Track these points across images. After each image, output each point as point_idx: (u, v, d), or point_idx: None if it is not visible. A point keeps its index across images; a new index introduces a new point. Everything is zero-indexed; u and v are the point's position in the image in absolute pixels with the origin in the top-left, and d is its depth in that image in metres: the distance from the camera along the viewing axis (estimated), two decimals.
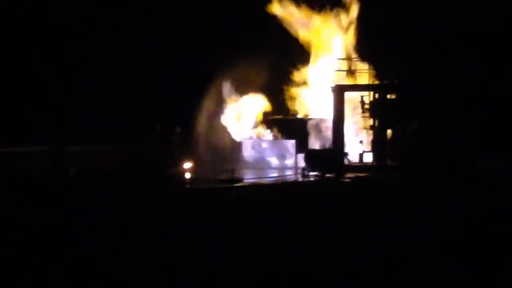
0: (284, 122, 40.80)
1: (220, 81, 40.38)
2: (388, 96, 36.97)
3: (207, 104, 40.13)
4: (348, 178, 33.13)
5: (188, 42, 41.34)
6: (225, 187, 28.98)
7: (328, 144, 37.59)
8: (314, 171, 34.25)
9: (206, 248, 15.38)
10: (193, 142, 39.32)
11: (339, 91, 37.47)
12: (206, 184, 30.00)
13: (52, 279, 12.90)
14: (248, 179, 32.18)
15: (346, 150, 36.92)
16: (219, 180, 30.64)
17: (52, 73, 39.80)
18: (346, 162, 36.27)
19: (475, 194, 25.16)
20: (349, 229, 17.89)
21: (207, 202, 24.38)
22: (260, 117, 41.10)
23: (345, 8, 40.83)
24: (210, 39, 40.33)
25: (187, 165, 36.22)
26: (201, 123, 40.15)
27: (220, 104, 40.68)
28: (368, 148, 37.21)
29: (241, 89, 40.94)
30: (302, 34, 41.41)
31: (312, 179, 33.25)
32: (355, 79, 38.42)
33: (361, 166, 36.36)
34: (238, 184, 30.09)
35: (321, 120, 40.04)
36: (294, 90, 41.79)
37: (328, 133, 38.61)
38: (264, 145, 40.26)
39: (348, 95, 37.60)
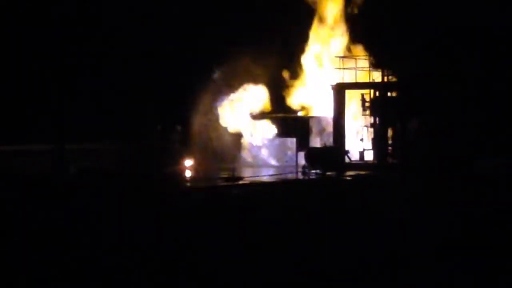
0: (285, 120, 40.79)
1: (220, 80, 40.36)
2: (389, 94, 36.96)
3: (207, 103, 40.11)
4: (349, 176, 33.15)
5: (188, 41, 41.31)
6: (225, 185, 29.01)
7: (329, 142, 37.58)
8: (314, 169, 34.26)
9: (206, 248, 15.38)
10: (192, 140, 39.29)
11: (340, 89, 37.46)
12: (207, 183, 30.03)
13: (52, 279, 12.89)
14: (248, 177, 32.22)
15: (347, 148, 36.91)
16: (219, 178, 30.68)
17: (52, 73, 39.75)
18: (346, 160, 36.27)
19: (475, 194, 25.16)
20: (349, 228, 17.89)
21: (207, 200, 24.39)
22: (261, 115, 41.09)
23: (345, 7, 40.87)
24: (210, 38, 40.29)
25: (188, 163, 36.28)
26: (201, 121, 40.13)
27: (219, 103, 40.67)
28: (369, 146, 37.20)
29: (241, 87, 40.93)
30: (302, 32, 41.43)
31: (312, 177, 33.27)
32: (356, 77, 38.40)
33: (361, 164, 36.36)
34: (239, 182, 30.11)
35: (322, 118, 40.04)
36: (295, 88, 41.78)
37: (329, 131, 38.60)
38: (265, 143, 40.28)
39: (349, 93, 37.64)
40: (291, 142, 39.38)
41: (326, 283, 12.70)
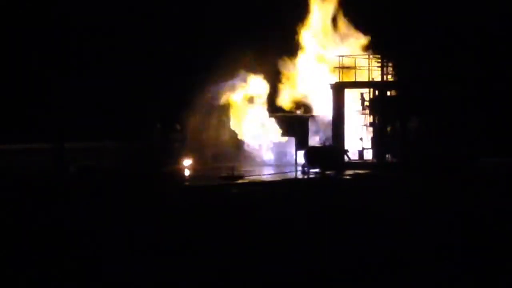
0: (284, 119, 40.76)
1: (220, 78, 40.33)
2: (388, 93, 36.95)
3: (207, 101, 40.07)
4: (348, 175, 33.14)
5: (187, 40, 41.30)
6: (225, 184, 28.98)
7: (328, 141, 37.56)
8: (314, 168, 34.26)
9: (205, 248, 15.37)
10: (189, 139, 39.22)
11: (339, 88, 37.44)
12: (206, 181, 30.00)
13: (52, 279, 12.89)
14: (248, 176, 32.20)
15: (346, 147, 36.90)
16: (219, 177, 30.64)
17: (52, 73, 39.77)
18: (346, 159, 36.25)
19: (475, 193, 25.16)
20: (349, 228, 17.89)
21: (207, 199, 24.38)
22: (260, 114, 41.07)
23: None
24: (209, 37, 40.29)
25: (187, 162, 36.25)
26: (200, 120, 40.09)
27: (219, 100, 40.64)
28: (368, 145, 37.19)
29: (241, 85, 40.91)
30: (303, 30, 41.39)
31: (312, 176, 33.26)
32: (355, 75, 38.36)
33: (361, 163, 36.34)
34: (239, 181, 30.09)
35: (321, 117, 40.01)
36: (294, 87, 41.73)
37: (328, 130, 38.58)
38: (265, 142, 40.28)
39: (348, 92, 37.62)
40: (291, 141, 39.35)
41: (326, 283, 12.70)
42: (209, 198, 24.72)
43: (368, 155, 37.20)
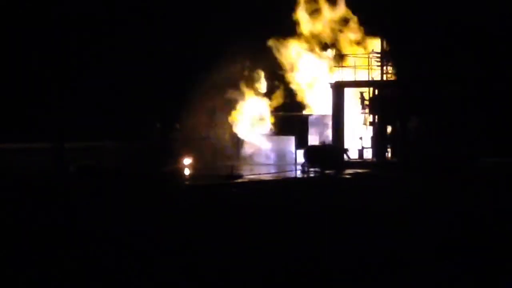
0: (284, 118, 40.80)
1: (219, 77, 40.34)
2: (388, 93, 36.97)
3: (206, 100, 40.09)
4: (348, 174, 33.15)
5: (187, 39, 41.31)
6: (225, 183, 28.99)
7: (328, 140, 37.59)
8: (313, 167, 34.27)
9: (205, 247, 15.37)
10: (191, 138, 39.23)
11: (339, 87, 37.46)
12: (206, 181, 30.01)
13: (52, 279, 12.89)
14: (247, 175, 32.22)
15: (346, 146, 36.92)
16: (218, 176, 30.65)
17: (52, 73, 39.77)
18: (345, 158, 36.27)
19: (475, 193, 25.16)
20: (349, 227, 17.90)
21: (206, 199, 24.37)
22: (260, 113, 41.10)
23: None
24: (209, 36, 40.30)
25: (186, 161, 36.25)
26: (200, 120, 40.11)
27: (219, 100, 40.66)
28: (368, 144, 37.21)
29: (240, 84, 40.93)
30: (304, 29, 41.41)
31: (311, 175, 33.27)
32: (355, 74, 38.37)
33: (360, 163, 36.37)
34: (238, 181, 30.10)
35: (321, 116, 40.03)
36: (294, 86, 41.76)
37: (328, 129, 38.61)
38: (264, 141, 40.30)
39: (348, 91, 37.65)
40: (291, 140, 39.39)
41: (326, 283, 12.70)
42: (208, 198, 24.72)
43: (368, 154, 37.24)
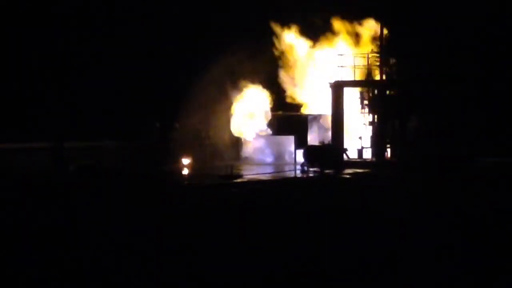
0: (284, 118, 40.80)
1: (219, 76, 40.34)
2: (388, 92, 36.97)
3: (206, 100, 40.08)
4: (348, 174, 33.14)
5: (187, 39, 41.32)
6: (224, 183, 28.97)
7: (327, 140, 37.59)
8: (313, 167, 34.27)
9: (205, 247, 15.36)
10: (190, 138, 39.24)
11: (338, 87, 37.45)
12: (205, 180, 29.98)
13: (52, 279, 12.89)
14: (247, 175, 32.21)
15: (345, 146, 36.92)
16: (218, 176, 30.63)
17: (52, 72, 39.78)
18: (345, 158, 36.27)
19: (475, 193, 25.17)
20: (349, 227, 17.89)
21: (206, 198, 24.36)
22: (259, 113, 41.10)
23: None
24: (209, 36, 40.30)
25: (186, 161, 36.22)
26: (199, 119, 40.11)
27: (218, 99, 40.66)
28: (367, 144, 37.21)
29: (240, 84, 40.92)
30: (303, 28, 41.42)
31: (311, 175, 33.26)
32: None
33: (360, 162, 36.37)
34: (238, 180, 30.08)
35: (321, 116, 40.04)
36: (293, 86, 41.76)
37: (328, 129, 38.61)
38: (264, 140, 40.29)
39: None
40: (290, 140, 39.38)
41: (326, 283, 12.70)
42: (208, 198, 24.71)
43: (367, 154, 37.24)
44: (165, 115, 40.55)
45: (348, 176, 32.38)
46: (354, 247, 15.29)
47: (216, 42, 39.26)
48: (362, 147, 37.26)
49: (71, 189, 26.17)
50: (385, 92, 36.97)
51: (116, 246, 15.63)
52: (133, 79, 41.07)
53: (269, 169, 35.26)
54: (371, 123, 37.11)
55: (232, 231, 17.45)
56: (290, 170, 34.81)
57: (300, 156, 36.33)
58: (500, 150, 35.01)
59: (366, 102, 37.25)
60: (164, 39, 41.61)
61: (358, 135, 37.65)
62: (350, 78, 38.15)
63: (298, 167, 34.84)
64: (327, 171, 33.84)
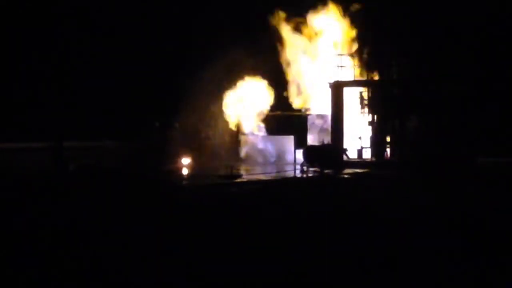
0: (283, 118, 40.81)
1: (219, 75, 40.36)
2: (387, 92, 36.98)
3: (205, 100, 40.10)
4: (347, 174, 33.14)
5: (187, 39, 41.35)
6: (224, 183, 28.97)
7: (327, 140, 37.60)
8: (313, 167, 34.28)
9: (204, 247, 15.37)
10: (190, 137, 39.25)
11: (338, 86, 37.46)
12: (205, 180, 29.98)
13: (52, 279, 12.89)
14: (247, 175, 32.20)
15: (345, 146, 36.93)
16: (218, 176, 30.62)
17: (52, 72, 39.81)
18: (344, 158, 36.28)
19: (475, 192, 25.18)
20: (349, 227, 17.89)
21: (205, 198, 24.37)
22: (259, 112, 41.12)
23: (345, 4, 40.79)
24: (209, 36, 40.31)
25: (185, 161, 36.24)
26: (199, 118, 40.12)
27: (218, 99, 40.69)
28: (367, 144, 37.22)
29: (239, 83, 40.95)
30: (303, 27, 41.43)
31: (310, 175, 33.26)
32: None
33: (360, 162, 36.38)
34: (237, 180, 30.07)
35: (320, 115, 40.04)
36: (293, 85, 41.76)
37: (327, 128, 38.61)
38: (263, 140, 40.30)
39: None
40: (290, 139, 39.40)
41: (326, 283, 12.70)
42: (207, 198, 24.71)
43: (367, 154, 37.25)
44: (165, 115, 40.58)
45: (347, 176, 32.38)
46: (354, 247, 15.30)
47: (216, 41, 39.29)
48: (362, 147, 37.28)
49: (71, 189, 26.17)
50: (385, 92, 36.95)
51: (116, 246, 15.63)
52: (133, 79, 41.09)
53: (268, 169, 35.25)
54: (371, 123, 37.12)
55: (232, 231, 17.45)
56: (289, 170, 34.80)
57: (300, 156, 36.33)
58: (500, 150, 35.02)
59: (366, 102, 37.23)
60: (164, 39, 41.63)
61: (358, 135, 37.66)
62: (350, 78, 38.18)
63: (298, 167, 34.84)
64: (326, 171, 33.84)
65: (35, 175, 30.24)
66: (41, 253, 14.80)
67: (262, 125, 41.04)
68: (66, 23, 40.89)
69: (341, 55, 39.48)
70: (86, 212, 20.58)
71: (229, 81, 40.54)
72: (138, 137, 39.13)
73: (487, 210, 20.80)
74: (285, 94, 41.58)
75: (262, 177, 31.83)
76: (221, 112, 40.69)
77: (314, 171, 33.85)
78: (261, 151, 40.21)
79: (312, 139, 39.37)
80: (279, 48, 41.20)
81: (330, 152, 35.61)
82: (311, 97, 41.36)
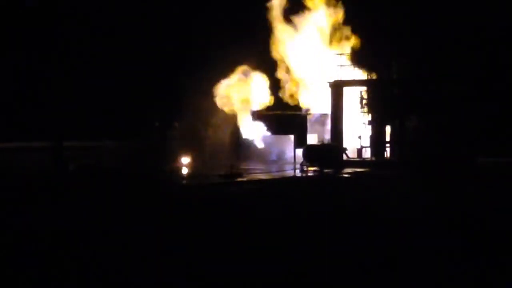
0: (284, 117, 40.81)
1: (219, 75, 40.39)
2: (387, 92, 37.01)
3: (205, 99, 40.12)
4: (347, 173, 33.15)
5: (187, 39, 41.38)
6: (224, 182, 28.98)
7: (327, 139, 37.63)
8: (312, 166, 34.30)
9: (204, 247, 15.37)
10: (189, 137, 39.27)
11: (338, 86, 37.49)
12: (205, 180, 29.98)
13: (52, 279, 12.89)
14: (247, 174, 32.21)
15: (345, 145, 36.95)
16: (218, 175, 30.63)
17: (52, 72, 39.84)
18: (344, 157, 36.30)
19: (475, 193, 25.18)
20: (349, 227, 17.90)
21: (205, 198, 24.37)
22: (259, 112, 41.13)
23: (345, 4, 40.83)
24: (209, 35, 40.34)
25: (185, 160, 36.25)
26: (199, 118, 40.15)
27: (218, 99, 40.71)
28: (367, 143, 37.25)
29: (239, 84, 40.95)
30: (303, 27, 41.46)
31: (310, 174, 33.28)
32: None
33: (359, 162, 36.40)
34: (237, 179, 30.08)
35: (320, 115, 40.07)
36: (293, 85, 41.79)
37: (327, 128, 38.65)
38: (263, 140, 40.32)
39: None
40: (290, 139, 39.42)
41: (326, 283, 12.70)
42: (207, 197, 24.72)
43: (367, 153, 37.27)
44: (165, 115, 40.60)
45: (347, 176, 32.38)
46: (354, 247, 15.30)
47: (215, 41, 39.31)
48: (362, 147, 37.29)
49: (71, 189, 26.17)
50: (385, 92, 36.98)
51: (116, 246, 15.64)
52: (133, 79, 41.11)
53: (269, 168, 35.26)
54: (370, 123, 37.14)
55: (232, 230, 17.46)
56: (289, 169, 34.81)
57: (299, 155, 36.35)
58: (500, 150, 35.05)
59: (365, 101, 37.26)
60: (164, 39, 41.65)
61: (358, 135, 37.69)
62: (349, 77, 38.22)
63: (298, 166, 34.85)
64: (326, 170, 33.86)
65: (35, 175, 30.25)
66: (41, 253, 14.80)
67: (262, 124, 41.04)
68: (66, 23, 40.93)
69: (341, 54, 39.49)
70: (86, 212, 20.59)
71: (229, 80, 40.57)
72: (138, 137, 39.15)
73: (487, 210, 20.81)
74: (285, 94, 41.60)
75: (262, 176, 31.84)
76: (220, 112, 40.70)
77: (314, 171, 33.86)
78: (261, 151, 40.22)
79: (312, 139, 39.37)
80: (279, 47, 41.21)
81: (330, 152, 35.64)
82: (311, 97, 41.37)
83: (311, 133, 39.87)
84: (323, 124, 39.83)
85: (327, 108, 38.58)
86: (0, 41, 41.00)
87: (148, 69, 41.77)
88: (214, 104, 40.24)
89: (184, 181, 30.62)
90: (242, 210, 21.30)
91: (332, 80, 37.91)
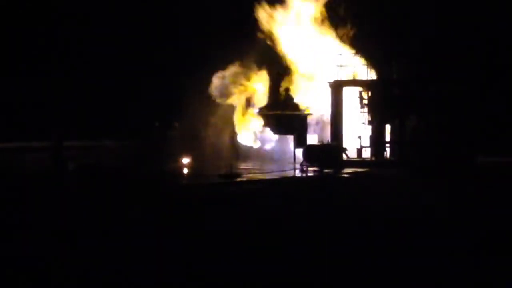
0: (283, 117, 40.76)
1: (219, 74, 40.36)
2: (387, 92, 36.98)
3: (205, 99, 40.11)
4: (347, 173, 33.15)
5: (187, 39, 41.37)
6: (224, 182, 28.97)
7: (327, 139, 37.60)
8: (312, 166, 34.28)
9: (204, 247, 15.37)
10: (189, 137, 39.27)
11: (338, 86, 37.47)
12: (205, 180, 29.97)
13: (52, 279, 12.90)
14: (247, 174, 32.19)
15: (345, 145, 36.93)
16: (218, 175, 30.61)
17: (52, 71, 39.86)
18: (344, 157, 36.28)
19: (475, 192, 25.19)
20: (349, 227, 17.91)
21: (205, 198, 24.37)
22: (259, 112, 41.09)
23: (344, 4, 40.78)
24: (209, 35, 40.33)
25: (185, 160, 36.23)
26: (199, 118, 40.13)
27: (218, 99, 40.69)
28: (367, 143, 37.22)
29: (239, 83, 40.94)
30: (302, 26, 41.44)
31: (310, 174, 33.27)
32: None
33: (359, 162, 36.38)
34: (237, 179, 30.07)
35: (320, 115, 40.04)
36: (293, 85, 41.75)
37: (327, 128, 38.62)
38: (263, 140, 40.31)
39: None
40: (290, 139, 39.39)
41: (326, 283, 12.71)
42: (207, 197, 24.72)
43: (367, 153, 37.25)
44: (165, 115, 40.60)
45: (347, 176, 32.39)
46: (354, 247, 15.31)
47: (215, 41, 39.30)
48: (362, 147, 37.26)
49: (71, 189, 26.18)
50: (385, 92, 36.95)
51: (116, 246, 15.64)
52: (133, 79, 41.11)
53: (268, 168, 35.24)
54: (370, 123, 37.11)
55: (232, 230, 17.46)
56: (289, 170, 34.79)
57: (299, 155, 36.33)
58: (500, 150, 35.05)
59: (365, 101, 37.22)
60: (164, 39, 41.65)
61: (357, 135, 37.65)
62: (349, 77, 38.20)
63: (298, 166, 34.84)
64: (326, 170, 33.85)
65: (35, 175, 30.24)
66: (41, 253, 14.81)
67: (262, 124, 41.00)
68: (66, 23, 40.94)
69: (340, 54, 39.46)
70: (86, 212, 20.59)
71: (229, 80, 40.54)
72: (138, 137, 39.15)
73: (487, 210, 20.81)
74: (284, 93, 41.55)
75: (261, 176, 31.82)
76: (220, 111, 40.69)
77: (314, 171, 33.85)
78: (261, 151, 40.19)
79: (312, 139, 39.34)
80: (279, 48, 41.21)
81: (329, 152, 35.62)
82: (311, 97, 41.34)
83: (311, 133, 39.85)
84: (322, 124, 39.80)
85: (327, 108, 38.53)
86: (0, 41, 41.02)
87: (148, 69, 41.75)
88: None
89: (184, 181, 30.62)
90: (242, 210, 21.30)
91: (332, 80, 37.86)
